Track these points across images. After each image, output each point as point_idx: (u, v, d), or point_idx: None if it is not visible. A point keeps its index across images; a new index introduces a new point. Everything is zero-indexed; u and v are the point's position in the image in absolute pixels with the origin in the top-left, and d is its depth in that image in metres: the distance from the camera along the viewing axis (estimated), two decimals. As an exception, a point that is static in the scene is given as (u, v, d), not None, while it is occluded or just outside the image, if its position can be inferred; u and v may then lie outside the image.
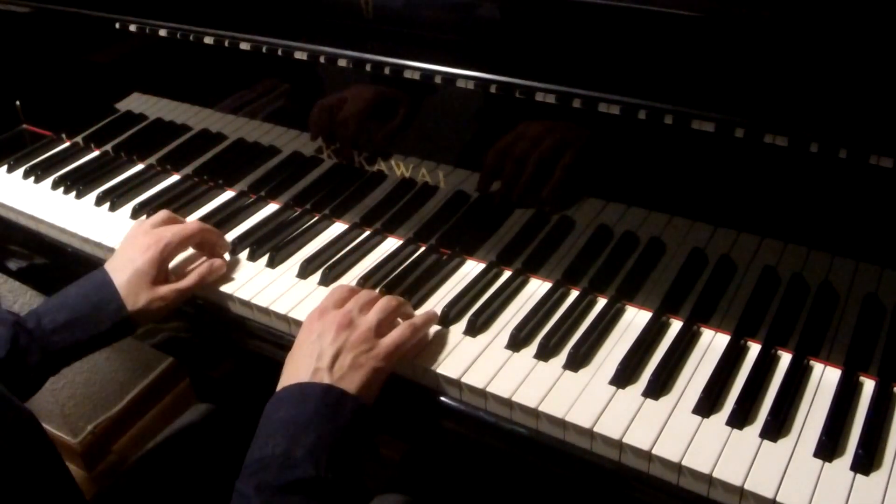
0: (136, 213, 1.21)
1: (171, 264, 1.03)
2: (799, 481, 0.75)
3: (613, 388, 0.85)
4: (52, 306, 0.94)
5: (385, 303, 0.90)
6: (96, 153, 1.39)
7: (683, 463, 0.76)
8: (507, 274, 1.03)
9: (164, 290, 0.97)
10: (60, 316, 0.93)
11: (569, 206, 0.96)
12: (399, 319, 0.92)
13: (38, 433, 0.82)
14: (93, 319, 0.93)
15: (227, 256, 1.09)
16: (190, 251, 1.07)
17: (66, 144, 1.41)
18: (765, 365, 0.87)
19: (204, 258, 1.06)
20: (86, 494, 0.91)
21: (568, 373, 0.88)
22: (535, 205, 0.98)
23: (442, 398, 0.89)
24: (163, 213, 1.07)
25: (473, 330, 0.93)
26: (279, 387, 0.82)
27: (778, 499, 0.73)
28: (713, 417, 0.82)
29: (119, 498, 1.08)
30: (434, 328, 0.94)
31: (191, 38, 1.11)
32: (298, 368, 0.82)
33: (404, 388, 0.91)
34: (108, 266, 0.98)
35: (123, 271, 0.96)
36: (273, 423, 0.78)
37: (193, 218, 1.18)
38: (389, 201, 1.09)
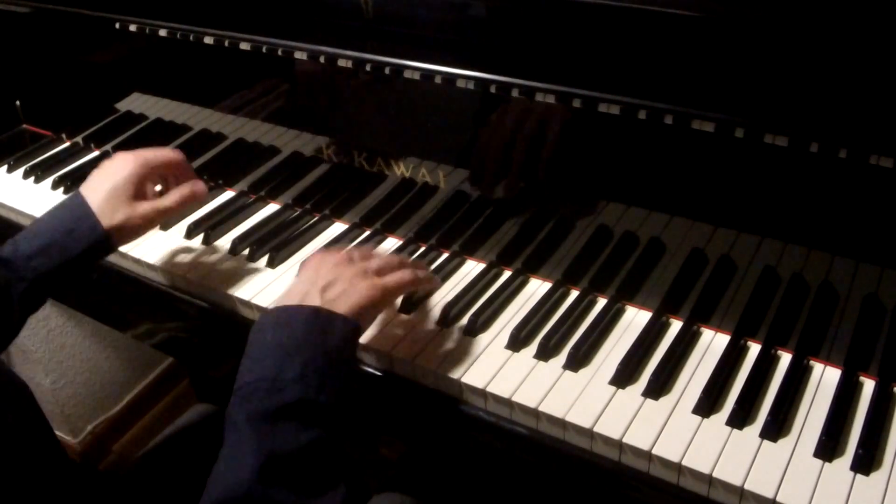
0: (136, 213, 1.20)
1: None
2: (799, 481, 0.75)
3: (613, 388, 0.85)
4: (28, 233, 0.93)
5: (388, 256, 0.90)
6: (96, 153, 1.39)
7: (683, 463, 0.76)
8: (507, 274, 1.03)
9: (145, 206, 0.95)
10: (37, 241, 0.91)
11: (569, 206, 0.96)
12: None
13: (31, 403, 0.82)
14: (69, 241, 0.92)
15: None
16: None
17: (66, 144, 1.41)
18: (765, 365, 0.87)
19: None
20: (86, 494, 0.92)
21: (568, 373, 0.88)
22: (534, 205, 0.98)
23: (442, 398, 0.89)
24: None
25: (473, 330, 0.93)
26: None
27: (778, 499, 0.73)
28: (713, 417, 0.82)
29: (119, 498, 1.08)
30: (434, 328, 0.94)
31: (191, 38, 1.11)
32: (290, 295, 0.81)
33: (404, 388, 0.91)
34: (84, 187, 0.96)
35: (99, 190, 0.94)
36: (260, 346, 0.76)
37: (193, 217, 1.18)
38: (389, 201, 1.09)
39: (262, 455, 0.69)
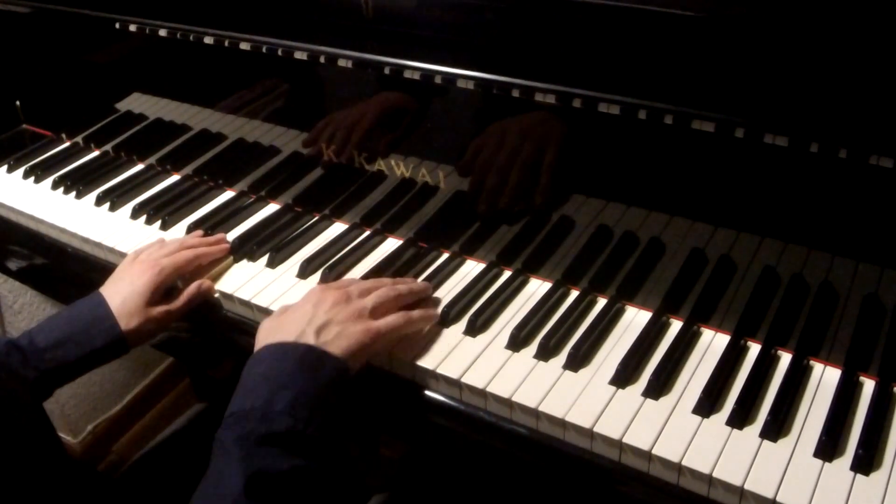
0: (136, 213, 1.21)
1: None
2: (799, 481, 0.75)
3: (613, 388, 0.85)
4: (46, 326, 0.95)
5: (385, 291, 0.92)
6: (96, 153, 1.39)
7: (683, 463, 0.76)
8: (507, 274, 1.03)
9: (157, 311, 0.99)
10: (53, 335, 0.94)
11: (568, 206, 0.96)
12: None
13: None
14: (86, 338, 0.94)
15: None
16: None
17: (66, 144, 1.41)
18: (765, 365, 0.87)
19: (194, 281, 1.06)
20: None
21: (568, 373, 0.88)
22: (534, 205, 0.98)
23: (442, 398, 0.89)
24: (157, 242, 1.09)
25: (473, 330, 0.93)
26: (262, 344, 0.84)
27: (778, 499, 0.73)
28: (713, 417, 0.82)
29: (119, 498, 1.08)
30: (434, 328, 0.94)
31: (191, 38, 1.11)
32: (285, 328, 0.84)
33: (404, 388, 0.91)
34: (104, 289, 0.99)
35: (119, 294, 0.98)
36: (253, 378, 0.80)
37: (193, 217, 1.18)
38: (389, 201, 1.09)
39: (248, 471, 0.72)
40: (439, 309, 0.96)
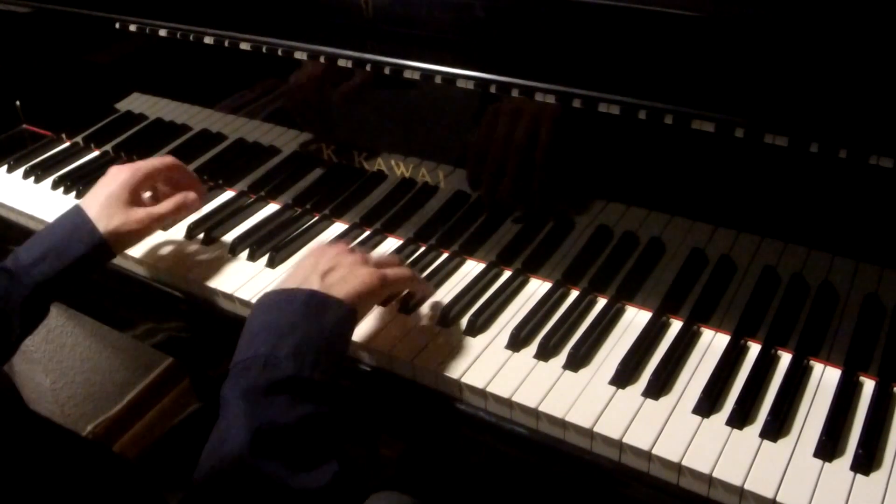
0: (136, 213, 1.20)
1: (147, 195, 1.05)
2: (799, 481, 0.75)
3: (613, 388, 0.85)
4: (28, 243, 0.95)
5: (388, 255, 0.94)
6: (96, 153, 1.39)
7: (683, 463, 0.76)
8: (507, 274, 1.03)
9: (139, 212, 0.99)
10: (36, 250, 0.93)
11: (568, 206, 0.96)
12: None
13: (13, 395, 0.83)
14: (67, 246, 0.94)
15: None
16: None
17: (66, 144, 1.41)
18: (765, 365, 0.87)
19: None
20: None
21: (568, 373, 0.88)
22: (534, 205, 0.98)
23: (441, 398, 0.89)
24: None
25: (473, 330, 0.93)
26: None
27: (778, 499, 0.73)
28: (713, 417, 0.82)
29: (118, 497, 1.08)
30: (434, 328, 0.94)
31: (191, 38, 1.11)
32: (290, 280, 0.84)
33: (404, 388, 0.91)
34: (82, 200, 0.99)
35: (96, 199, 0.98)
36: (256, 326, 0.79)
37: (193, 217, 1.18)
38: (389, 201, 1.10)
39: (253, 427, 0.71)
40: (439, 309, 0.96)
